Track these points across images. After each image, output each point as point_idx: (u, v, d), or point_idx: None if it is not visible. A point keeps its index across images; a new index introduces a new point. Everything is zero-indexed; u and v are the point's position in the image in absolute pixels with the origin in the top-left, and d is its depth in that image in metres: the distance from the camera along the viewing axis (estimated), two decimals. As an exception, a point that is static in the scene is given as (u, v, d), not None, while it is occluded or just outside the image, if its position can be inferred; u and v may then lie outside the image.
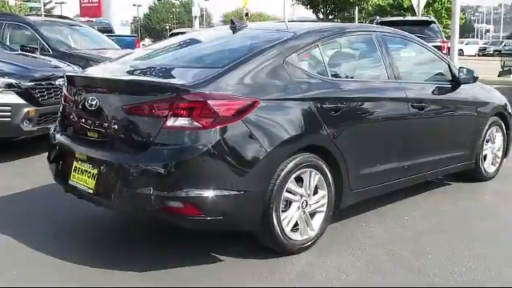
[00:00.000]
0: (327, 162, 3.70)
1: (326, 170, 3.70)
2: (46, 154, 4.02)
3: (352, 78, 4.25)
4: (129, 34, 42.95)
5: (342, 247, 3.73)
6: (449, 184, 5.32)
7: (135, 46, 18.11)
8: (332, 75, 3.90)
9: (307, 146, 3.56)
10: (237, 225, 3.36)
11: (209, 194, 3.13)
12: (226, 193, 3.17)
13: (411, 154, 4.41)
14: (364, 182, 4.05)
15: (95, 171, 3.41)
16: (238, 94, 3.27)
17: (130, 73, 3.77)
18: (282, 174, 3.39)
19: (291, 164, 3.44)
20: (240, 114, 3.21)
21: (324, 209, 3.77)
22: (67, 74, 4.02)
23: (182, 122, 3.13)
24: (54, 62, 7.25)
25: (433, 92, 4.66)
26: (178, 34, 13.83)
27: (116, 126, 3.34)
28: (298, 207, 3.60)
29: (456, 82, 4.88)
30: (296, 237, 3.60)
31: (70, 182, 3.61)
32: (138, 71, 3.79)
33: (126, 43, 15.11)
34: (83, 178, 3.50)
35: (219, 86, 3.23)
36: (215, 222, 3.21)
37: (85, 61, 8.73)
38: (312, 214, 3.70)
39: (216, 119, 3.13)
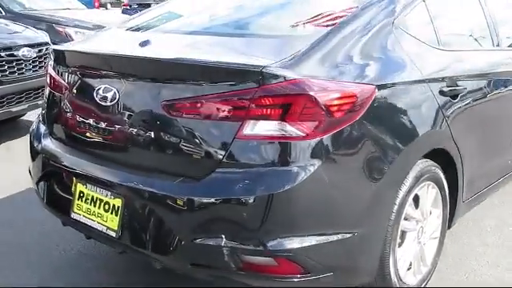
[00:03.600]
0: (444, 168, 2.59)
1: (443, 180, 2.59)
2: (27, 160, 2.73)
3: (467, 47, 3.07)
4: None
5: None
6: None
7: (94, 6, 16.31)
8: (444, 44, 2.71)
9: (430, 151, 2.43)
10: (349, 280, 2.21)
11: (314, 241, 1.97)
12: (336, 237, 2.02)
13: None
14: (473, 187, 2.96)
15: (118, 203, 2.17)
16: (345, 78, 2.07)
17: (166, 48, 2.45)
18: (401, 194, 2.26)
19: (411, 179, 2.30)
20: (356, 111, 2.02)
21: (438, 234, 2.70)
22: (55, 47, 2.68)
23: (269, 128, 1.92)
24: (13, 25, 5.73)
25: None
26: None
27: (152, 133, 2.09)
28: (414, 238, 2.50)
29: None
30: (410, 280, 2.51)
31: (74, 216, 2.36)
32: (180, 46, 2.45)
33: (85, 2, 13.39)
34: (96, 212, 2.26)
35: (316, 66, 2.02)
36: (322, 281, 2.05)
37: (46, 24, 7.20)
38: (424, 244, 2.61)
39: (324, 122, 1.94)
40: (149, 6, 14.65)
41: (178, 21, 2.82)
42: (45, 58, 5.39)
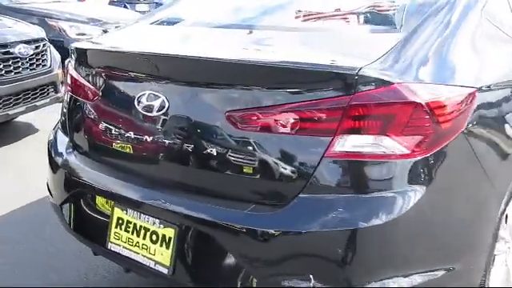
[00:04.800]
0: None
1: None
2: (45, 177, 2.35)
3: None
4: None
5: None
6: None
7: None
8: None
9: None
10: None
11: (421, 279, 1.62)
12: (442, 273, 1.68)
13: None
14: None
15: (170, 233, 1.80)
16: (448, 81, 1.72)
17: (225, 46, 2.03)
18: (499, 213, 1.93)
19: (508, 194, 1.97)
20: (461, 120, 1.67)
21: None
22: (77, 45, 2.27)
23: (366, 143, 1.56)
24: (5, 20, 5.26)
25: None
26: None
27: (214, 151, 1.72)
28: (503, 261, 2.18)
29: None
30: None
31: (111, 246, 1.98)
32: (240, 43, 2.04)
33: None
34: (140, 243, 1.88)
35: (415, 67, 1.66)
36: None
37: (37, 18, 6.72)
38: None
39: (431, 135, 1.59)
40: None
41: (222, 14, 2.41)
42: (42, 55, 4.96)
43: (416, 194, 1.56)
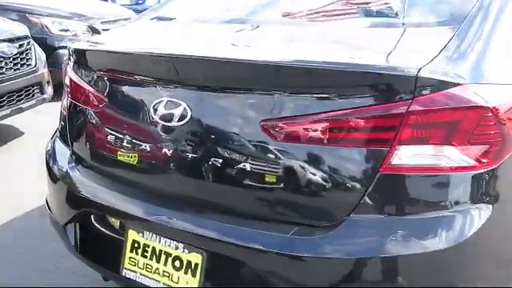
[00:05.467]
0: None
1: None
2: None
3: None
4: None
5: None
6: None
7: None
8: None
9: None
10: None
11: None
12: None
13: None
14: None
15: (197, 259, 1.59)
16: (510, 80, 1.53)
17: (254, 45, 1.79)
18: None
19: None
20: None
21: None
22: (76, 46, 2.03)
23: (427, 155, 1.36)
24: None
25: None
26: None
27: (247, 165, 1.50)
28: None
29: None
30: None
31: (126, 273, 1.75)
32: (272, 41, 1.77)
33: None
34: (161, 270, 1.67)
35: (479, 67, 1.46)
36: None
37: (17, 14, 6.37)
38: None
39: (500, 143, 1.39)
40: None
41: (241, 8, 2.15)
42: (26, 54, 4.66)
43: (484, 211, 1.37)
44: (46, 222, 2.20)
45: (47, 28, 6.31)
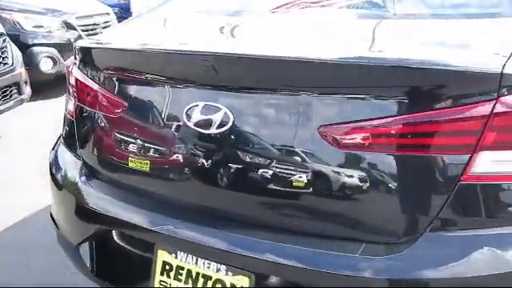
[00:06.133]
0: None
1: None
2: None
3: None
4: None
5: None
6: None
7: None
8: None
9: None
10: None
11: None
12: None
13: None
14: None
15: (244, 282, 1.41)
16: None
17: (308, 42, 1.54)
18: None
19: None
20: None
21: None
22: (85, 44, 1.81)
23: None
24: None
25: None
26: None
27: (303, 176, 1.32)
28: None
29: None
30: None
31: (156, 296, 1.56)
32: (332, 35, 1.56)
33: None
34: (198, 293, 1.48)
35: None
36: None
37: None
38: None
39: None
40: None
41: None
42: (2, 53, 4.37)
43: None
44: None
45: (19, 24, 5.99)
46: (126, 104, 1.62)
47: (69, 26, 6.33)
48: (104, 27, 6.96)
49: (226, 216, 1.47)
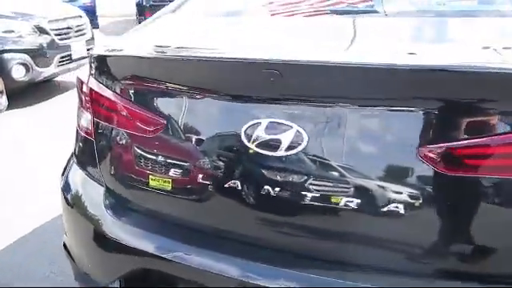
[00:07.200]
0: None
1: None
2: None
3: None
4: None
5: None
6: None
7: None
8: None
9: None
10: None
11: None
12: None
13: None
14: None
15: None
16: None
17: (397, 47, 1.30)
18: None
19: None
20: None
21: None
22: (104, 53, 1.56)
23: None
24: None
25: None
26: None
27: (401, 208, 1.12)
28: None
29: None
30: None
31: None
32: (422, 38, 1.37)
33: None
34: None
35: None
36: None
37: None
38: None
39: None
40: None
41: None
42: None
43: None
44: None
45: (-12, 30, 5.59)
46: (164, 122, 1.38)
47: (41, 31, 5.96)
48: (77, 31, 6.62)
49: (297, 255, 1.25)
